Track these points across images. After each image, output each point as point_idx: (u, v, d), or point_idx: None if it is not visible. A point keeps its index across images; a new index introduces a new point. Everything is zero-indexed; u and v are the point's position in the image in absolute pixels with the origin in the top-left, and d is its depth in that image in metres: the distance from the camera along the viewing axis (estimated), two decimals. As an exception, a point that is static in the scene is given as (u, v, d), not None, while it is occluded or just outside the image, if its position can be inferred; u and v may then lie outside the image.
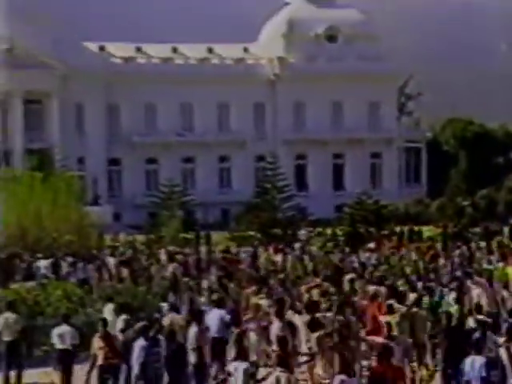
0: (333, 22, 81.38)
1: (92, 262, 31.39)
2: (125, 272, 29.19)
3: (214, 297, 19.33)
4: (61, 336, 16.95)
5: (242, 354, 13.58)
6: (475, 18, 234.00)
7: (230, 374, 13.62)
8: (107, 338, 15.83)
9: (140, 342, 14.80)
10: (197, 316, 16.85)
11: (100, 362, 15.68)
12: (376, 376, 12.94)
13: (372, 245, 39.02)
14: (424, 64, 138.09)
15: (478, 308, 17.95)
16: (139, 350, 14.69)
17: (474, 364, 13.39)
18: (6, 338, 18.07)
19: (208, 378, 15.96)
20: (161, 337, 15.37)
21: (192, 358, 15.64)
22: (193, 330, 16.09)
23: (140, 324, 15.64)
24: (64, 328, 17.10)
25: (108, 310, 19.02)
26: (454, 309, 18.23)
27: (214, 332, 17.10)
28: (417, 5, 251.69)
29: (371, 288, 21.19)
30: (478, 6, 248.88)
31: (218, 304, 18.22)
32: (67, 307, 20.97)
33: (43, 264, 30.87)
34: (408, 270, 28.50)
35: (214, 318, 17.54)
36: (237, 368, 13.26)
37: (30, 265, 30.91)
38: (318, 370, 15.57)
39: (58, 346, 17.04)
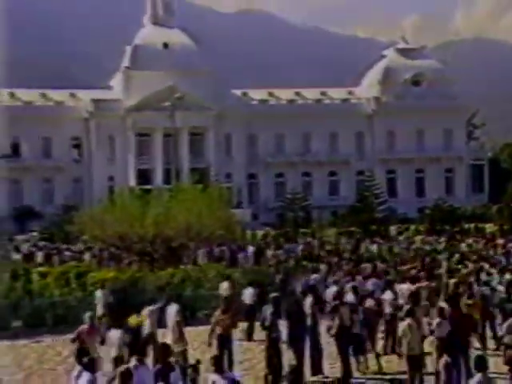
0: (418, 70, 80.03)
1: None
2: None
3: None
4: (248, 295, 18.65)
5: None
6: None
7: None
8: (227, 312, 14.97)
9: (269, 309, 14.71)
10: (311, 290, 17.05)
11: (219, 331, 14.75)
12: (452, 320, 13.20)
13: (470, 240, 37.91)
14: (487, 101, 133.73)
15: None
16: (267, 315, 14.67)
17: None
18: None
19: (319, 336, 15.79)
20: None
21: (308, 320, 15.60)
22: (308, 299, 16.25)
23: (272, 295, 15.66)
24: (250, 290, 18.86)
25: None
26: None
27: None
28: (481, 52, 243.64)
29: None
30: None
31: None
32: (218, 282, 21.50)
33: (202, 252, 31.73)
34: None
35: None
36: None
37: (192, 252, 31.75)
38: None
39: (246, 301, 18.66)
